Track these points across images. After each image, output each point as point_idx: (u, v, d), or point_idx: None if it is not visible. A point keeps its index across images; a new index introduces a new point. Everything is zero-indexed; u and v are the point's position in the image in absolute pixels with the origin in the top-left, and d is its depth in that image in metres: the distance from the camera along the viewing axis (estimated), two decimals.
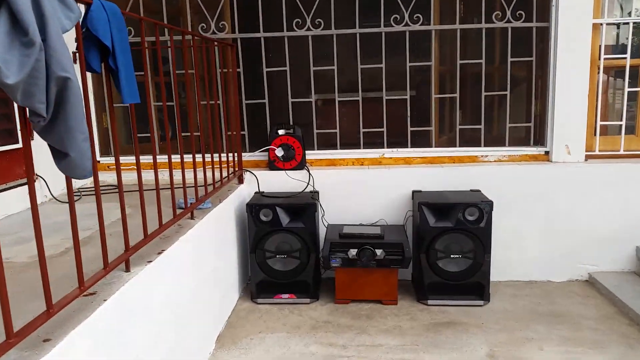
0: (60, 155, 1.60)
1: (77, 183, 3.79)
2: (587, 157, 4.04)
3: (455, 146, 4.20)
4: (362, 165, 4.18)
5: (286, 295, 3.78)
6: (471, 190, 3.99)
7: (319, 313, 3.65)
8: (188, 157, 2.86)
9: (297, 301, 3.77)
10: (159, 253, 2.37)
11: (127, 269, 2.15)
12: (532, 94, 4.18)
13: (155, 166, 2.43)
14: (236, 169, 3.99)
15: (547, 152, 4.12)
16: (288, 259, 3.73)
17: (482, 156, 4.15)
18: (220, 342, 3.28)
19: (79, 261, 1.78)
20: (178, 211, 2.70)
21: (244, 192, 4.03)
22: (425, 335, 3.33)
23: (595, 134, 4.10)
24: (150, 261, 2.28)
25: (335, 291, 3.78)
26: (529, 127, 4.20)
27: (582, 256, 4.09)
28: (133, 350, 2.07)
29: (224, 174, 3.71)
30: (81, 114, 1.58)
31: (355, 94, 4.18)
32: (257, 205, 3.67)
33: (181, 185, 2.76)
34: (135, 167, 2.23)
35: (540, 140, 4.18)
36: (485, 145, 4.18)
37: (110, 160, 4.27)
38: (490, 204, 3.64)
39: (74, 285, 1.79)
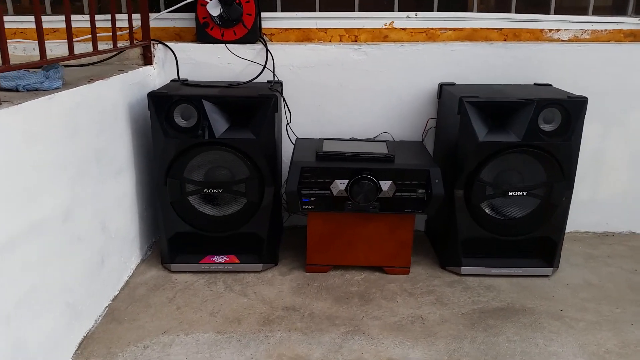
0: None
1: None
2: None
3: (509, 12, 2.55)
4: (357, 41, 2.50)
5: (222, 258, 2.19)
6: (535, 85, 2.40)
7: (278, 290, 2.10)
8: None
9: (241, 268, 2.20)
10: None
11: None
12: None
13: None
14: (137, 39, 2.28)
15: None
16: (225, 195, 2.12)
17: (550, 30, 2.53)
18: (84, 354, 1.70)
19: None
20: None
21: (153, 80, 2.34)
22: (470, 338, 1.82)
23: None
24: None
25: (307, 251, 2.22)
26: None
27: None
28: None
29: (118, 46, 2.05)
30: None
31: None
32: (167, 97, 2.00)
33: None
34: None
35: None
36: (555, 13, 2.55)
37: None
38: (582, 103, 2.07)
39: None
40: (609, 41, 2.53)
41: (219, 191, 2.08)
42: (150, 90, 2.03)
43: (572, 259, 2.40)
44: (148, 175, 2.28)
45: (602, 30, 2.53)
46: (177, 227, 2.14)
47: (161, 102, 1.99)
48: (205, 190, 2.09)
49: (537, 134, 2.06)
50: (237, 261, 2.19)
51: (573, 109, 2.06)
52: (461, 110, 2.08)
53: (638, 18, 2.53)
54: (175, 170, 2.05)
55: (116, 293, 2.04)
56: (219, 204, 2.13)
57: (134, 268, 2.22)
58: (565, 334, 1.86)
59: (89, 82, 1.78)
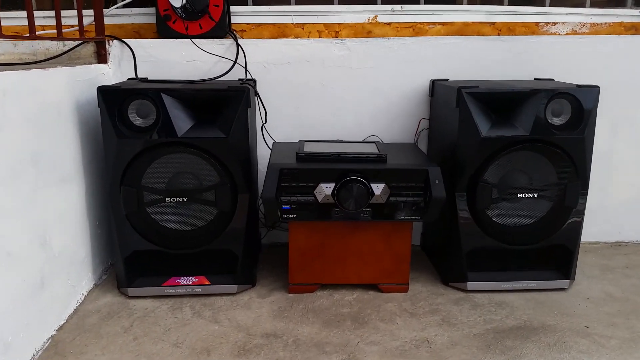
0: None
1: None
2: None
3: (501, 4, 2.35)
4: (338, 36, 2.27)
5: (189, 280, 1.87)
6: (536, 80, 2.18)
7: (256, 315, 1.77)
8: None
9: (212, 290, 1.88)
10: None
11: None
12: None
13: None
14: (87, 32, 2.01)
15: None
16: (191, 205, 1.81)
17: (546, 24, 2.33)
18: None
19: None
20: None
21: (108, 80, 2.05)
22: None
23: None
24: None
25: (289, 269, 1.90)
26: None
27: None
28: None
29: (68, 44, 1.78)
30: None
31: None
32: (120, 92, 1.71)
33: None
34: None
35: None
36: (551, 5, 2.35)
37: None
38: (594, 92, 1.84)
39: None
40: (609, 34, 2.33)
41: (183, 200, 1.78)
42: None
43: (587, 271, 2.13)
44: (101, 186, 1.96)
45: (601, 24, 2.35)
46: (135, 245, 1.82)
47: (113, 97, 1.70)
48: (167, 200, 1.77)
49: (546, 128, 1.82)
50: (207, 283, 1.86)
51: (585, 99, 1.82)
52: (460, 103, 1.83)
53: (639, 10, 2.35)
54: (130, 176, 1.74)
55: (62, 322, 1.69)
56: (185, 215, 1.82)
57: (85, 294, 1.87)
58: (597, 353, 1.57)
59: (22, 69, 1.48)
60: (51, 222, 1.62)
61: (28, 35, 1.59)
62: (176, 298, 1.86)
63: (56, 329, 1.65)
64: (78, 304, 1.81)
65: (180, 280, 1.86)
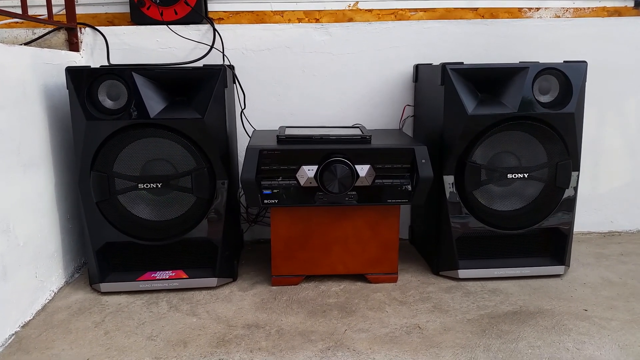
0: None
1: None
2: None
3: None
4: (318, 21, 2.21)
5: (165, 274, 1.76)
6: (521, 63, 2.12)
7: (237, 307, 1.66)
8: None
9: (190, 284, 1.77)
10: None
11: None
12: None
13: None
14: (58, 21, 1.93)
15: (638, 4, 2.32)
16: (167, 193, 1.71)
17: (529, 9, 2.30)
18: None
19: None
20: None
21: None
22: (483, 346, 1.43)
23: None
24: None
25: (272, 259, 1.80)
26: None
27: None
28: None
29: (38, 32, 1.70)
30: None
31: None
32: (89, 72, 1.62)
33: None
34: None
35: None
36: None
37: None
38: (582, 67, 1.79)
39: None
40: (591, 17, 2.30)
41: (157, 186, 1.67)
42: None
43: (582, 259, 2.06)
44: (71, 175, 1.85)
45: (584, 9, 2.32)
46: (107, 236, 1.71)
47: (82, 77, 1.60)
48: (140, 186, 1.67)
49: (534, 105, 1.76)
50: (184, 276, 1.76)
51: (573, 75, 1.77)
52: (445, 80, 1.76)
53: None
54: (101, 162, 1.64)
55: (28, 319, 1.57)
56: (160, 204, 1.71)
57: (55, 291, 1.75)
58: (598, 334, 1.48)
59: None
60: (14, 208, 1.51)
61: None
62: (152, 293, 1.74)
63: (21, 325, 1.53)
64: (47, 300, 1.69)
65: (156, 275, 1.75)
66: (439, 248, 1.90)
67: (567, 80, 1.77)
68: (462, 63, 1.76)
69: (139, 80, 1.62)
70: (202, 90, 1.65)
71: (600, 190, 2.32)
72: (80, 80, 1.60)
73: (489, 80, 1.79)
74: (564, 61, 1.78)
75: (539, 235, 1.89)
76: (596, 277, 1.89)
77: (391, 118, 2.15)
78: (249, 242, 2.21)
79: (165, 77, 1.66)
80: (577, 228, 2.32)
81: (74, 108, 1.61)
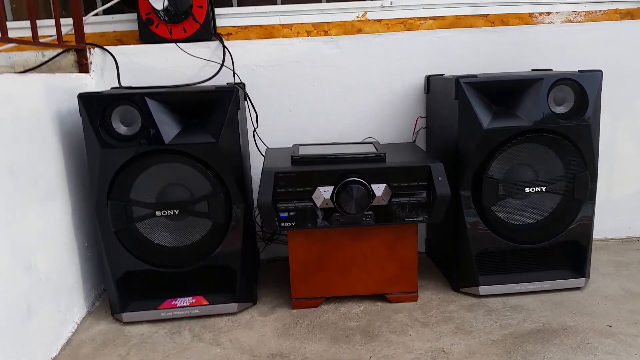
0: None
1: None
2: None
3: None
4: (327, 34, 2.18)
5: (186, 301, 1.74)
6: (534, 71, 2.10)
7: (260, 334, 1.65)
8: None
9: (211, 311, 1.75)
10: None
11: None
12: None
13: None
14: (66, 42, 1.90)
15: None
16: (184, 219, 1.68)
17: (540, 14, 2.26)
18: None
19: None
20: None
21: (91, 89, 1.93)
22: None
23: None
24: None
25: (291, 282, 1.78)
26: None
27: None
28: None
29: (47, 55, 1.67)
30: None
31: None
32: (102, 98, 1.59)
33: None
34: None
35: None
36: None
37: None
38: (597, 76, 1.76)
39: None
40: (604, 21, 2.27)
41: (174, 213, 1.66)
42: None
43: (601, 269, 2.04)
44: (87, 203, 1.83)
45: (596, 12, 2.28)
46: (127, 265, 1.69)
47: (95, 103, 1.58)
48: (158, 213, 1.65)
49: (551, 117, 1.73)
50: (205, 303, 1.74)
51: (588, 85, 1.74)
52: (459, 95, 1.74)
53: None
54: (118, 190, 1.62)
55: (54, 354, 1.55)
56: (177, 230, 1.69)
57: (78, 322, 1.74)
58: (625, 353, 1.47)
59: None
60: (35, 243, 1.49)
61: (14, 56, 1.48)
62: (174, 321, 1.73)
63: None
64: (70, 333, 1.67)
65: (177, 302, 1.73)
66: (459, 264, 1.88)
67: (583, 90, 1.75)
68: (475, 76, 1.74)
69: (152, 105, 1.60)
70: (215, 112, 1.63)
71: (617, 196, 2.30)
72: (93, 106, 1.58)
73: (504, 92, 1.77)
74: (579, 70, 1.76)
75: (558, 248, 1.87)
76: (617, 289, 1.87)
77: (404, 130, 2.13)
78: (265, 261, 2.20)
79: (178, 100, 1.64)
80: (594, 235, 2.29)
81: (88, 136, 1.59)
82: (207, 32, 1.97)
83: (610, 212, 2.30)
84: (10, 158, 1.39)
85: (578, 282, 1.87)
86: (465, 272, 1.86)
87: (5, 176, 1.36)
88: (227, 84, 1.94)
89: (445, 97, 1.85)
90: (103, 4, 2.12)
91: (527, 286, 1.85)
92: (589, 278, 1.90)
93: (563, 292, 1.85)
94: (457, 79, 1.73)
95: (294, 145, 1.91)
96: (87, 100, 1.58)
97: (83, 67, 1.93)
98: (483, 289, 1.84)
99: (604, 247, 2.26)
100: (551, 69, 2.08)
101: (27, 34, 1.84)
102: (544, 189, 1.79)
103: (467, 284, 1.86)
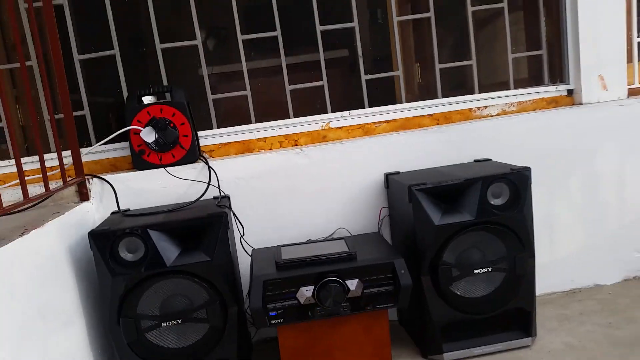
0: None
1: None
2: (630, 93, 2.67)
3: (435, 97, 2.66)
4: (297, 145, 2.53)
5: None
6: (476, 161, 2.47)
7: None
8: None
9: None
10: None
11: None
12: (537, 4, 2.75)
13: None
14: (69, 177, 2.20)
15: (570, 92, 2.70)
16: (187, 325, 1.97)
17: (478, 108, 2.65)
18: None
19: None
20: None
21: (92, 216, 2.23)
22: None
23: (632, 59, 2.75)
24: None
25: None
26: (540, 57, 2.76)
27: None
28: None
29: (50, 187, 1.95)
30: None
31: (271, 29, 2.53)
32: (109, 234, 1.90)
33: None
34: None
35: (558, 74, 2.74)
36: (480, 90, 2.68)
37: None
38: (526, 173, 2.13)
39: None
40: (534, 109, 2.66)
41: (178, 322, 1.95)
42: (90, 228, 1.91)
43: (547, 324, 2.37)
44: (101, 323, 2.10)
45: (527, 101, 2.68)
46: None
47: (103, 239, 1.88)
48: (164, 324, 1.94)
49: (489, 210, 2.09)
50: None
51: (519, 180, 2.11)
52: (412, 199, 2.08)
53: (555, 85, 2.70)
54: (127, 308, 1.91)
55: None
56: (180, 333, 1.98)
57: None
58: None
59: (22, 234, 1.65)
60: None
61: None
62: None
63: None
64: None
65: None
66: (425, 335, 2.19)
67: (515, 186, 2.10)
68: (425, 183, 2.09)
69: (153, 234, 1.90)
70: (209, 235, 1.94)
71: (560, 255, 2.65)
72: (103, 242, 1.87)
73: (449, 192, 2.11)
74: (511, 169, 2.12)
75: (508, 314, 2.20)
76: (559, 344, 2.20)
77: (370, 220, 2.47)
78: (256, 342, 2.48)
79: (176, 227, 1.95)
80: (541, 290, 2.65)
81: (99, 268, 1.88)
82: (193, 155, 2.30)
83: (554, 269, 2.65)
84: (39, 301, 1.67)
85: (526, 341, 2.20)
86: (431, 341, 2.17)
87: (36, 318, 1.64)
88: (214, 197, 2.26)
89: (401, 197, 2.19)
90: (95, 134, 2.44)
91: (484, 349, 2.17)
92: (536, 336, 2.22)
93: (514, 351, 2.17)
94: (410, 187, 2.08)
95: (277, 247, 2.22)
96: (97, 237, 1.87)
97: (83, 195, 2.22)
98: (447, 356, 2.15)
99: (550, 301, 2.60)
100: (490, 159, 2.45)
101: (33, 166, 2.13)
102: (489, 269, 2.13)
103: (434, 352, 2.18)
